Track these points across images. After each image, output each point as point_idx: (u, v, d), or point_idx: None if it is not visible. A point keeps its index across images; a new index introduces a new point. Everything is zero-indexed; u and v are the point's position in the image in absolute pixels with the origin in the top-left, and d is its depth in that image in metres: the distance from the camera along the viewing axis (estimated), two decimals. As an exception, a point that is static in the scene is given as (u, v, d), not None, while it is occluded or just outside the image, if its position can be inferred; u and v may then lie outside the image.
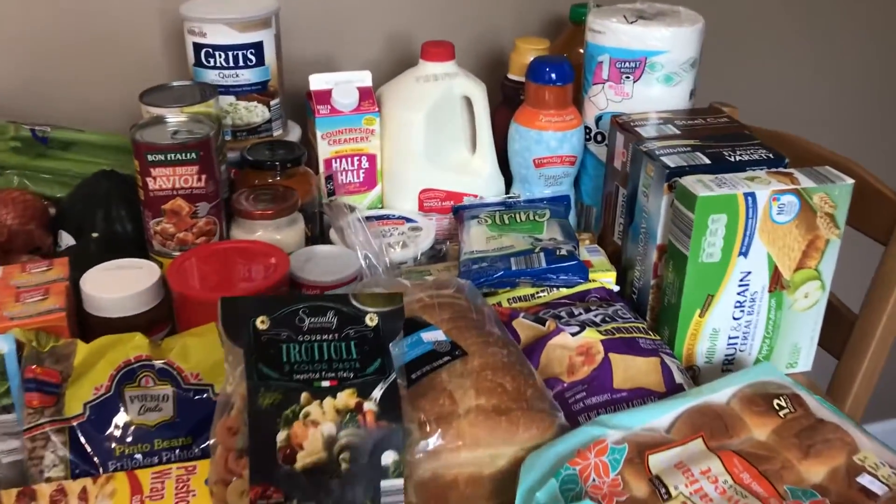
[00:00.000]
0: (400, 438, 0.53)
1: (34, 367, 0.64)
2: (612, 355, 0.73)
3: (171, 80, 0.91)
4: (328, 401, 0.53)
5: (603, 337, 0.74)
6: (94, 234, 0.81)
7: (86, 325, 0.73)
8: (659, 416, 0.67)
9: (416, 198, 0.97)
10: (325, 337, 0.56)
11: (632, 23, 0.90)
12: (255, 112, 0.92)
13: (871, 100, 1.41)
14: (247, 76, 0.91)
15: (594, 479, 0.61)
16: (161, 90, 0.85)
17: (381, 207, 0.99)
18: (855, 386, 0.85)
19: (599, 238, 0.94)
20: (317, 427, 0.52)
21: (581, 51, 0.98)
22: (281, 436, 0.52)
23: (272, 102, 0.93)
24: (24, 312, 0.67)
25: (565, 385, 0.72)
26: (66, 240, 0.87)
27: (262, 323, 0.55)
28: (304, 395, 0.53)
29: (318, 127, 0.92)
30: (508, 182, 1.00)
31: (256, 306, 0.56)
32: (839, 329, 0.86)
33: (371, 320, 0.57)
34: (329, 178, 0.90)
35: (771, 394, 0.69)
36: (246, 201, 0.81)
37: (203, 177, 0.75)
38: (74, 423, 0.63)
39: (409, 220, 0.94)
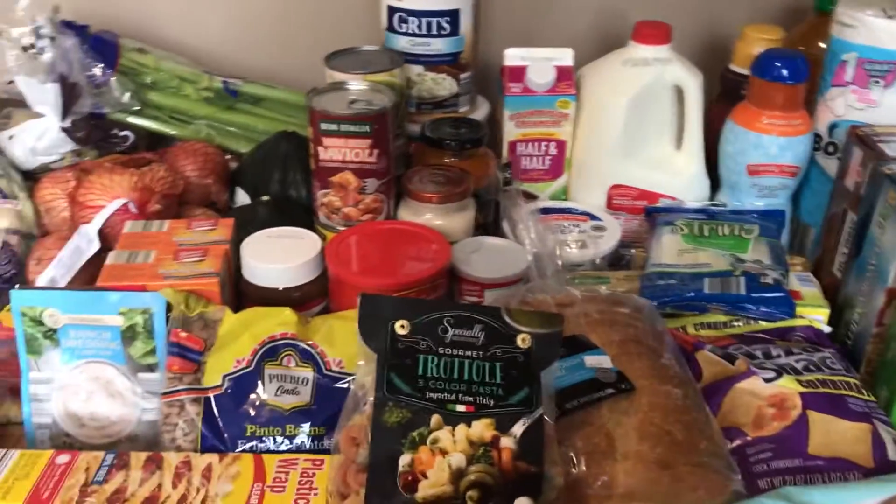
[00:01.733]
0: (538, 485, 0.46)
1: (179, 331, 0.62)
2: (811, 413, 0.61)
3: (367, 43, 0.86)
4: (461, 428, 0.46)
5: (803, 389, 0.63)
6: (265, 198, 0.78)
7: (242, 291, 0.71)
8: (861, 499, 0.55)
9: (606, 193, 0.88)
10: (468, 353, 0.49)
11: (891, 17, 0.75)
12: (442, 84, 0.86)
13: None
14: (438, 45, 0.85)
15: (768, 566, 0.51)
16: (348, 54, 0.81)
17: (565, 199, 0.90)
18: None
19: (815, 266, 0.81)
20: (444, 456, 0.46)
21: (822, 45, 0.84)
22: (404, 459, 0.46)
23: (462, 76, 0.87)
24: (179, 272, 0.65)
25: (749, 439, 0.61)
26: (242, 198, 0.86)
27: (401, 327, 0.49)
28: (434, 418, 0.46)
29: (506, 106, 0.85)
30: (714, 187, 0.88)
31: (398, 308, 0.50)
32: None
33: (523, 342, 0.50)
34: (507, 166, 0.83)
35: None
36: (416, 181, 0.75)
37: (375, 151, 0.71)
38: (211, 395, 0.61)
39: (593, 216, 0.85)
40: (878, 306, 0.68)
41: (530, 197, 0.90)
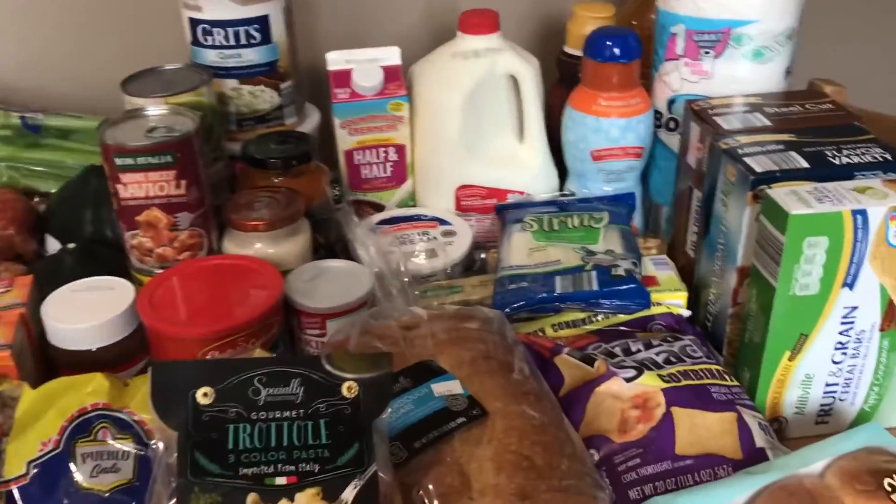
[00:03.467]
0: (379, 554, 0.40)
1: (-29, 418, 0.54)
2: (675, 410, 0.59)
3: (178, 60, 0.78)
4: (284, 504, 0.40)
5: (665, 385, 0.60)
6: (71, 245, 0.70)
7: (51, 357, 0.62)
8: (731, 497, 0.52)
9: (453, 195, 0.84)
10: (287, 414, 0.43)
11: (707, -15, 0.73)
12: (262, 97, 0.79)
13: None
14: (251, 56, 0.78)
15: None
16: (149, 75, 0.73)
17: (413, 205, 0.85)
18: None
19: (670, 246, 0.79)
20: (267, 539, 0.40)
21: (653, 18, 0.82)
22: (220, 551, 0.39)
23: (282, 86, 0.80)
24: (-36, 348, 0.57)
25: (615, 447, 0.58)
26: (53, 245, 0.76)
27: (204, 396, 0.43)
28: (251, 498, 0.40)
29: (335, 114, 0.79)
30: (563, 176, 0.85)
31: (199, 373, 0.43)
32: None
33: (349, 391, 0.44)
34: (335, 181, 0.77)
35: (881, 469, 0.53)
36: (237, 208, 0.68)
37: (183, 182, 0.63)
38: (13, 487, 0.53)
39: (443, 221, 0.81)
40: (732, 286, 0.66)
41: (377, 208, 0.84)
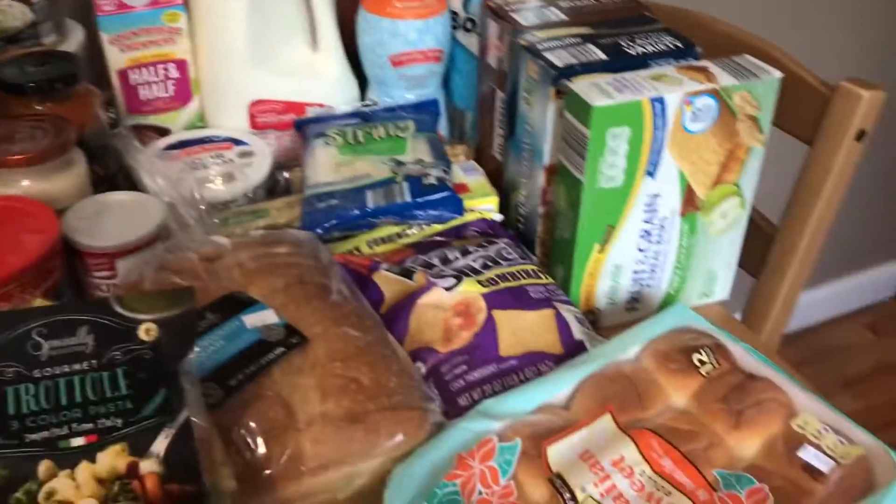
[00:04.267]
0: (201, 504, 0.37)
1: None
2: (496, 313, 0.58)
3: None
4: (84, 467, 0.35)
5: (485, 289, 0.59)
6: None
7: None
8: (556, 391, 0.53)
9: (246, 112, 0.78)
10: (76, 367, 0.37)
11: None
12: (10, 14, 0.69)
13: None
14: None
15: (481, 492, 0.47)
16: None
17: (203, 127, 0.78)
18: (775, 309, 0.74)
19: (477, 152, 0.77)
20: (69, 510, 0.35)
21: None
22: (14, 530, 0.34)
23: (35, 0, 0.70)
24: None
25: (441, 356, 0.57)
26: None
27: (-28, 358, 0.36)
28: (43, 465, 0.35)
29: (102, 29, 0.70)
30: (364, 84, 0.81)
31: (-38, 333, 0.37)
32: (757, 244, 0.74)
33: (147, 334, 0.39)
34: (109, 104, 0.69)
35: (689, 346, 0.56)
36: (-5, 142, 0.59)
37: (-80, 114, 0.54)
38: None
39: (238, 142, 0.75)
40: (540, 185, 0.66)
41: (162, 133, 0.77)
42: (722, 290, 0.69)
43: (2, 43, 0.69)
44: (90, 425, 0.36)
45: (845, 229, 1.71)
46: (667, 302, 0.67)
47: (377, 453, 0.48)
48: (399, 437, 0.48)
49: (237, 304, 0.51)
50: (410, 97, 0.79)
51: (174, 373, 0.39)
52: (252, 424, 0.46)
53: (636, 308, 0.67)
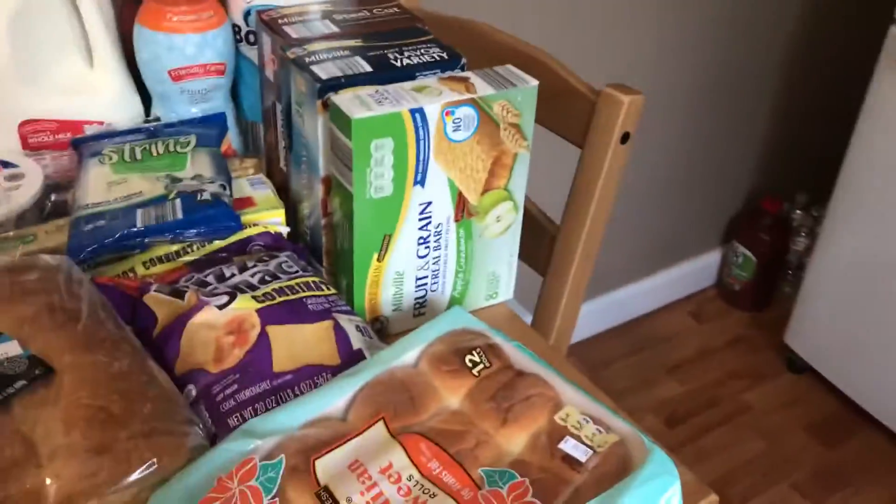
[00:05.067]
0: None
1: None
2: (270, 329, 0.58)
3: None
4: None
5: (259, 305, 0.59)
6: None
7: None
8: (330, 403, 0.53)
9: (16, 132, 0.74)
10: None
11: None
12: None
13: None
14: None
15: (242, 514, 0.47)
16: None
17: (-30, 149, 0.74)
18: (561, 305, 0.77)
19: (268, 164, 0.77)
20: None
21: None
22: None
23: None
24: None
25: (212, 377, 0.55)
26: None
27: None
28: None
29: None
30: (150, 101, 0.79)
31: None
32: (541, 244, 0.77)
33: None
34: None
35: (463, 347, 0.57)
36: None
37: None
38: None
39: (6, 164, 0.71)
40: (320, 197, 0.66)
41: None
42: (505, 290, 0.71)
43: None
44: None
45: (664, 223, 1.81)
46: (452, 305, 0.69)
47: (129, 483, 0.46)
48: (152, 464, 0.47)
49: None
50: (196, 111, 0.77)
51: None
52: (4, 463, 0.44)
53: (423, 313, 0.68)
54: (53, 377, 0.48)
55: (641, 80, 1.24)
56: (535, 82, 0.62)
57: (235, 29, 0.77)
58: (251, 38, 0.77)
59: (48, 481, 0.44)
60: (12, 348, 0.48)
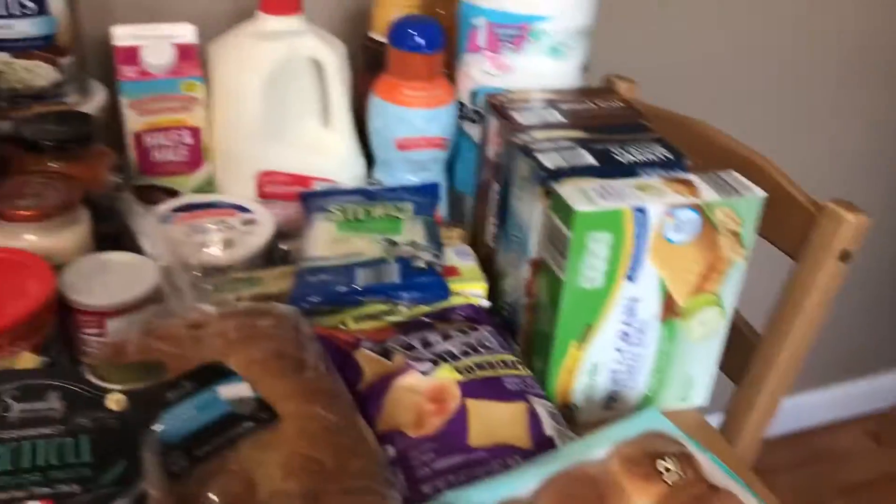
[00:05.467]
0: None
1: None
2: (469, 402, 0.59)
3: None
4: (34, 532, 0.37)
5: (461, 377, 0.60)
6: None
7: None
8: (520, 487, 0.54)
9: (255, 181, 0.80)
10: (43, 431, 0.39)
11: (514, -21, 0.74)
12: (37, 73, 0.73)
13: (795, 77, 1.29)
14: (24, 28, 0.71)
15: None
16: None
17: (212, 192, 0.81)
18: (753, 418, 0.74)
19: (472, 236, 0.80)
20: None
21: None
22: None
23: (61, 61, 0.74)
24: None
25: (411, 441, 0.58)
26: None
27: (-56, 415, 0.38)
28: (-3, 527, 0.37)
29: (122, 93, 0.74)
30: (372, 163, 0.84)
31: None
32: (739, 352, 0.75)
33: (115, 403, 0.41)
34: (119, 168, 0.72)
35: (657, 452, 0.56)
36: (5, 196, 0.62)
37: (-65, 166, 0.57)
38: None
39: (243, 209, 0.77)
40: (525, 277, 0.67)
41: (172, 195, 0.80)
42: (699, 395, 0.70)
43: (27, 100, 0.73)
44: (48, 490, 0.38)
45: (848, 334, 1.71)
46: (644, 403, 0.68)
47: (332, 535, 0.49)
48: (356, 522, 0.49)
49: (214, 374, 0.53)
50: (413, 179, 0.81)
51: (137, 444, 0.40)
52: (213, 497, 0.47)
53: (613, 407, 0.68)
54: (278, 423, 0.51)
55: (862, 193, 1.19)
56: (761, 193, 0.61)
57: (460, 106, 0.81)
58: (474, 116, 0.81)
59: (264, 522, 0.47)
60: (243, 390, 0.52)
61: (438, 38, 0.77)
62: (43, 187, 0.63)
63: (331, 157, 0.82)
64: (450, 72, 0.81)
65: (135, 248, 0.67)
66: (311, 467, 0.50)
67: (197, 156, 0.79)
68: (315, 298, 0.66)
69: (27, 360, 0.54)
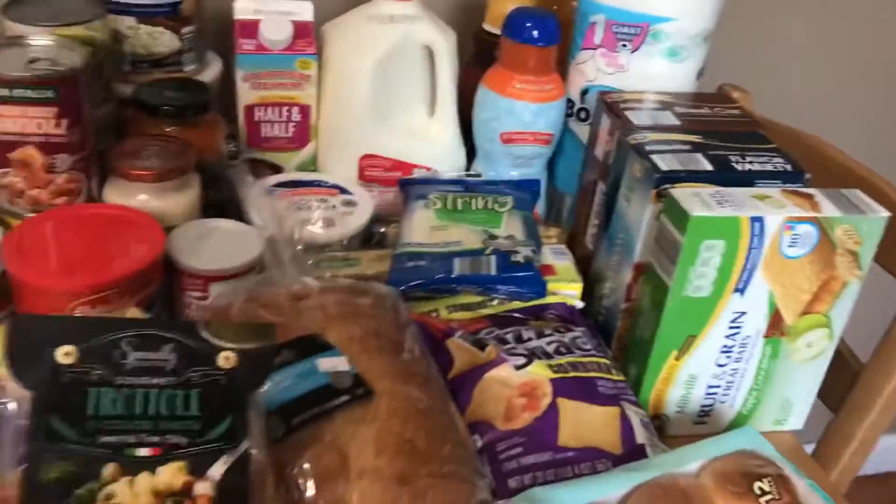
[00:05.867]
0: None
1: None
2: (561, 401, 0.58)
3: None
4: (144, 477, 0.37)
5: (554, 374, 0.59)
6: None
7: None
8: (608, 492, 0.53)
9: (357, 164, 0.81)
10: (156, 381, 0.40)
11: (640, -23, 0.73)
12: (160, 40, 0.74)
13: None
14: (156, -7, 0.72)
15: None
16: (36, 1, 0.67)
17: (314, 170, 0.82)
18: (850, 449, 0.71)
19: (570, 237, 0.78)
20: (123, 515, 0.37)
21: (575, 4, 0.81)
22: (70, 524, 0.36)
23: (184, 30, 0.75)
24: None
25: (499, 434, 0.57)
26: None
27: (66, 355, 0.39)
28: (108, 468, 0.37)
29: (238, 65, 0.75)
30: (471, 155, 0.83)
31: (62, 329, 0.40)
32: (840, 379, 0.72)
33: (226, 361, 0.41)
34: (233, 136, 0.73)
35: (753, 473, 0.54)
36: (123, 156, 0.63)
37: (64, 122, 0.58)
38: None
39: (343, 189, 0.78)
40: (627, 281, 0.66)
41: (274, 169, 0.81)
42: (796, 419, 0.67)
43: (147, 65, 0.75)
44: (157, 438, 0.38)
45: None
46: (738, 422, 0.66)
47: (420, 518, 0.48)
48: (444, 507, 0.48)
49: (314, 345, 0.53)
50: (514, 174, 0.80)
51: (244, 403, 0.40)
52: (306, 466, 0.47)
53: (705, 422, 0.66)
54: (372, 399, 0.51)
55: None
56: (885, 213, 0.58)
57: (569, 104, 0.80)
58: (582, 114, 0.79)
59: (354, 498, 0.47)
60: (341, 363, 0.52)
61: (555, 33, 0.76)
62: (159, 150, 0.65)
63: (434, 145, 0.82)
64: (561, 67, 0.80)
65: (238, 216, 0.68)
66: (404, 448, 0.49)
67: (303, 133, 0.80)
68: (412, 283, 0.65)
69: (133, 314, 0.55)
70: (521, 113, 0.77)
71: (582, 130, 0.79)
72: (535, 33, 0.75)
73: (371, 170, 0.81)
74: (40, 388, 0.38)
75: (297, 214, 0.72)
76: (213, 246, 0.63)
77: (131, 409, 0.39)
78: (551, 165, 0.84)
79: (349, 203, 0.76)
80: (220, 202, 0.71)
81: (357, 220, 0.74)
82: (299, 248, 0.64)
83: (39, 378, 0.38)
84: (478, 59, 0.88)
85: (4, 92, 0.56)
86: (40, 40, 0.61)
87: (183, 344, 0.41)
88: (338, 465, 0.48)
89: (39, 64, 0.59)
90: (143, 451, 0.38)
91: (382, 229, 0.77)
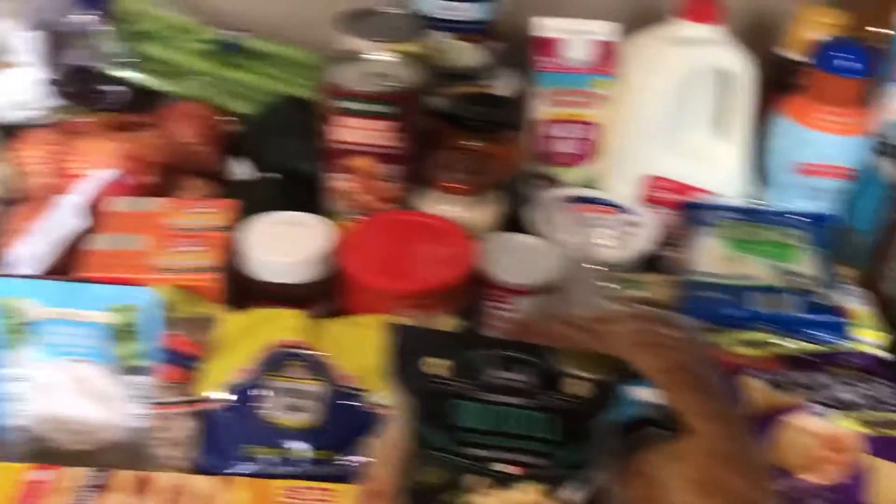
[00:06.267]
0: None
1: (174, 334, 0.55)
2: (879, 462, 0.55)
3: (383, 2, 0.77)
4: (501, 493, 0.40)
5: (868, 431, 0.57)
6: (273, 174, 0.70)
7: (237, 282, 0.63)
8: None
9: (641, 184, 0.81)
10: (516, 401, 0.42)
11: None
12: (466, 54, 0.78)
13: None
14: (468, 11, 0.76)
15: None
16: (365, 16, 0.72)
17: (591, 188, 0.83)
18: None
19: (864, 279, 0.74)
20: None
21: (883, 31, 0.76)
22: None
23: (492, 46, 0.78)
24: (174, 264, 0.58)
25: (801, 484, 0.55)
26: (239, 168, 0.77)
27: (439, 367, 0.42)
28: (470, 479, 0.40)
29: (539, 82, 0.77)
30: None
31: (433, 342, 0.43)
32: None
33: (583, 389, 0.43)
34: (529, 152, 0.75)
35: None
36: (440, 168, 0.67)
37: (400, 136, 0.63)
38: (205, 409, 0.54)
39: (624, 209, 0.78)
40: (946, 337, 0.61)
41: (552, 183, 0.82)
42: None
43: (456, 79, 0.78)
44: (517, 457, 0.40)
45: None
46: None
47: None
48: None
49: (624, 373, 0.54)
50: (807, 206, 0.77)
51: (591, 432, 0.42)
52: (620, 492, 0.48)
53: None
54: (686, 436, 0.51)
55: None
56: None
57: (874, 137, 0.76)
58: (888, 150, 0.75)
59: (671, 531, 0.47)
60: (653, 395, 0.53)
61: (868, 64, 0.72)
62: (470, 163, 0.68)
63: (721, 170, 0.80)
64: (867, 99, 0.75)
65: (531, 231, 0.70)
66: (721, 489, 0.49)
67: (589, 151, 0.81)
68: (707, 314, 0.65)
69: (445, 322, 0.58)
70: (822, 145, 0.74)
71: (886, 166, 0.75)
72: (852, 65, 0.72)
73: (656, 191, 0.80)
74: (416, 394, 0.41)
75: (584, 232, 0.73)
76: (516, 259, 0.65)
77: (495, 425, 0.41)
78: (845, 200, 0.80)
79: (632, 224, 0.76)
80: (513, 215, 0.74)
81: (643, 241, 0.74)
82: (594, 266, 0.65)
83: (415, 385, 0.41)
84: (769, 84, 0.85)
85: (348, 104, 0.61)
86: (377, 55, 0.66)
87: (543, 368, 0.43)
88: (646, 497, 0.48)
89: (380, 79, 0.63)
90: (504, 468, 0.40)
91: (664, 254, 0.76)
